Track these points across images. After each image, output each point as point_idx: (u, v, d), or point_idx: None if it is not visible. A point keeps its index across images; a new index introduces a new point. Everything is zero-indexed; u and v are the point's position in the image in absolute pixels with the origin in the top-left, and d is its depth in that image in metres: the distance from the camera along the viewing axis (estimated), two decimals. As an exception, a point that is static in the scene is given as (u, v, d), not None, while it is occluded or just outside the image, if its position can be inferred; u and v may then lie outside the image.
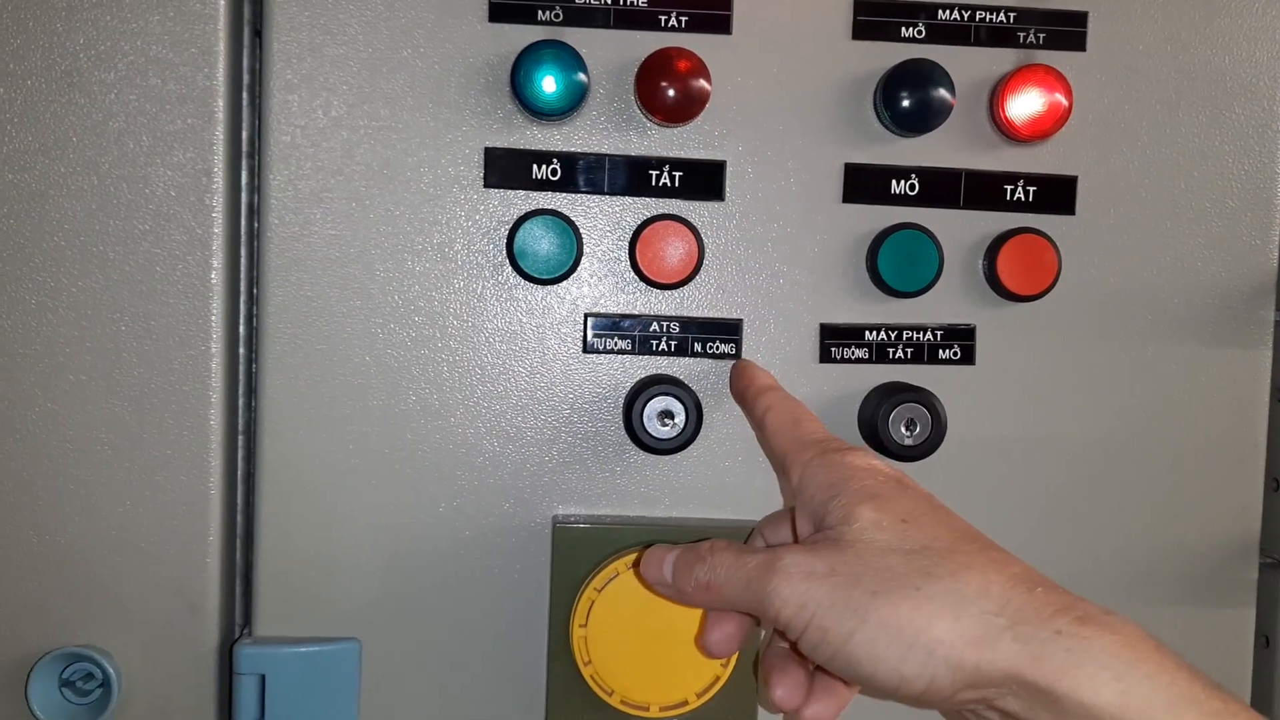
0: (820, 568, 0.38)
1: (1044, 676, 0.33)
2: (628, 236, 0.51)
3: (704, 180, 0.51)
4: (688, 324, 0.51)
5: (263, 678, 0.49)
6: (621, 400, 0.51)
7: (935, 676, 0.35)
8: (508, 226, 0.50)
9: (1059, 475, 0.53)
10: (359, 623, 0.51)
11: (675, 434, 0.50)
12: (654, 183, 0.51)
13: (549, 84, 0.49)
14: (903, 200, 0.51)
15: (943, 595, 0.36)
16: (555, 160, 0.50)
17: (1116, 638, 0.33)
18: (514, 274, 0.50)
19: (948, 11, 0.51)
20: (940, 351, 0.52)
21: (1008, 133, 0.51)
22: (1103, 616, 0.34)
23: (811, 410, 0.47)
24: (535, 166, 0.50)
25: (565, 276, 0.50)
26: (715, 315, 0.51)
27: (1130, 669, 0.32)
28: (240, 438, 0.52)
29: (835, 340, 0.52)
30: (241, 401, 0.52)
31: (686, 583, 0.42)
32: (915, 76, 0.50)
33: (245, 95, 0.51)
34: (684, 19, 0.50)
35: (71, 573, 0.49)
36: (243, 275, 0.51)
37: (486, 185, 0.50)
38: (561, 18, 0.50)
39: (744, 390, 0.49)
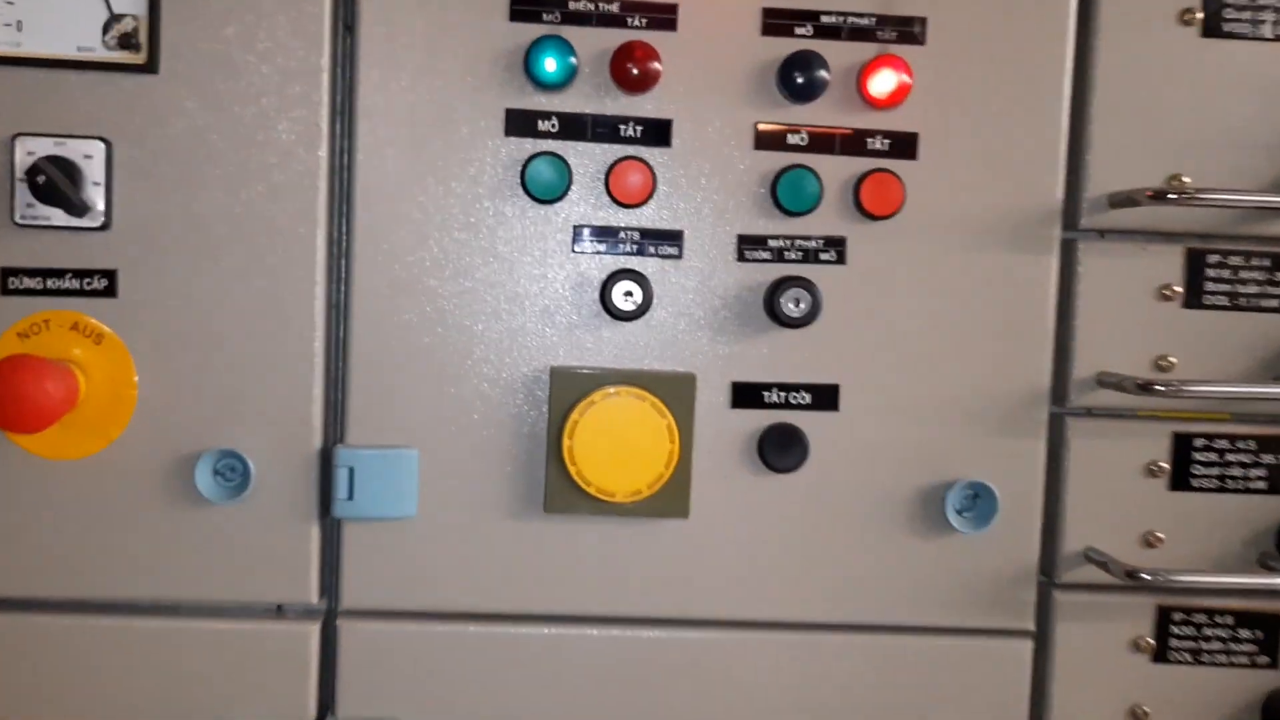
0: None
1: None
2: (604, 171, 0.73)
3: (657, 132, 0.73)
4: (645, 233, 0.74)
5: (352, 470, 0.72)
6: (598, 284, 0.73)
7: None
8: (520, 163, 0.73)
9: (906, 341, 0.75)
10: (418, 436, 0.73)
11: (634, 308, 0.72)
12: (622, 134, 0.73)
13: (550, 65, 0.71)
14: (796, 149, 0.74)
15: None
16: (554, 118, 0.73)
17: None
18: (525, 197, 0.73)
19: (828, 17, 0.73)
20: (821, 255, 0.75)
21: (869, 102, 0.73)
22: None
23: (730, 296, 0.70)
24: (540, 121, 0.73)
25: (560, 199, 0.73)
26: (664, 227, 0.74)
27: None
28: (334, 311, 0.74)
29: (748, 246, 0.74)
30: (337, 286, 0.74)
31: None
32: (805, 63, 0.72)
33: (339, 70, 0.73)
34: (644, 20, 0.72)
35: (225, 400, 0.72)
36: (338, 196, 0.74)
37: (507, 134, 0.73)
38: (559, 19, 0.72)
39: None
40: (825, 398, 0.75)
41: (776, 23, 0.73)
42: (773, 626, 0.76)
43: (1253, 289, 0.77)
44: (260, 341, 0.72)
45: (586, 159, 0.73)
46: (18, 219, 0.70)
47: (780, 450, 0.74)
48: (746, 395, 0.75)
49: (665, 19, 0.72)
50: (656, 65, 0.71)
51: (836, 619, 0.77)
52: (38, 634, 0.73)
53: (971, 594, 0.77)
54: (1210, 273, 0.76)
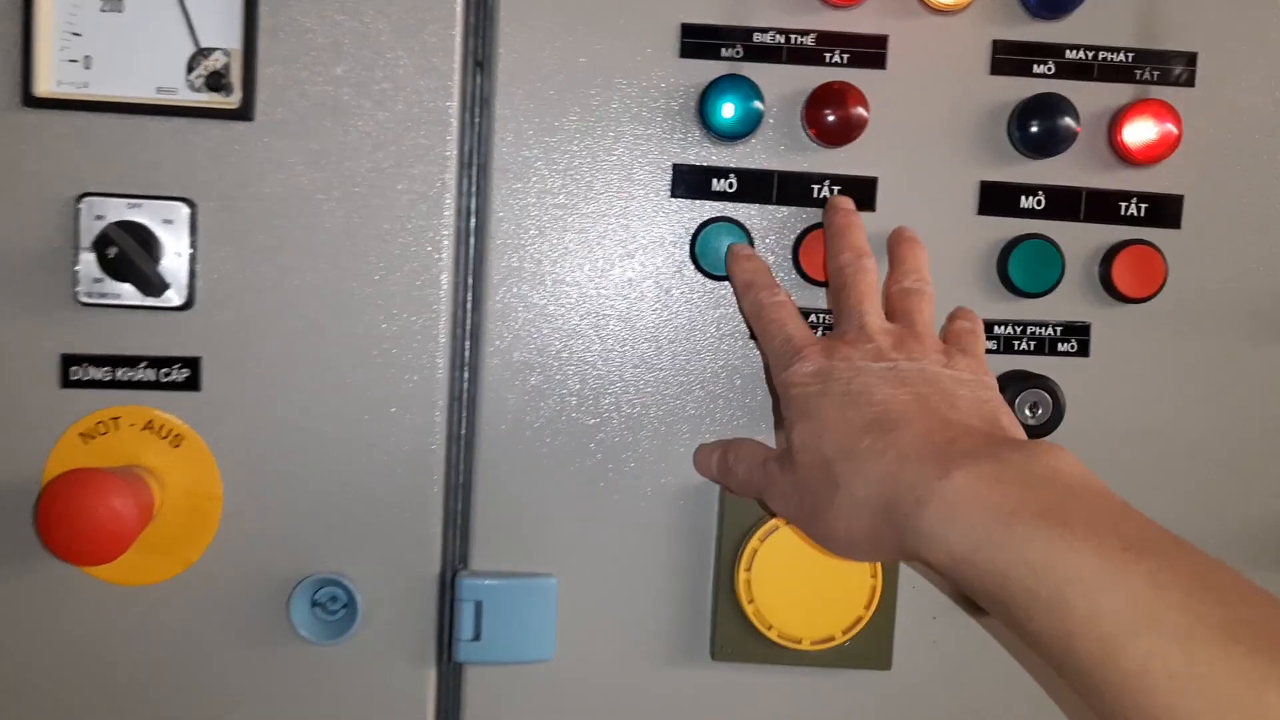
0: (787, 488, 0.51)
1: (911, 554, 0.45)
2: (792, 240, 0.59)
3: (859, 194, 0.59)
4: (841, 317, 0.60)
5: (479, 604, 0.59)
6: (784, 380, 0.60)
7: (873, 556, 0.48)
8: (690, 231, 0.59)
9: (1161, 452, 0.61)
10: (555, 561, 0.60)
11: (830, 410, 0.58)
12: (815, 195, 0.59)
13: (729, 110, 0.58)
14: (1030, 214, 0.60)
15: (846, 504, 0.47)
16: (733, 175, 0.59)
17: (940, 509, 0.43)
18: (695, 271, 0.59)
19: (1074, 52, 0.59)
20: (1059, 345, 0.60)
21: (1124, 157, 0.59)
22: (936, 484, 0.43)
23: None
24: (715, 180, 0.59)
25: (738, 274, 0.59)
26: (865, 310, 0.60)
27: (953, 531, 0.42)
28: (457, 404, 0.61)
29: (967, 333, 0.60)
30: (461, 374, 0.61)
31: (723, 478, 0.58)
32: (1046, 108, 0.58)
33: (469, 116, 0.60)
34: (846, 56, 0.59)
35: (325, 515, 0.59)
36: (469, 250, 0.61)
37: (673, 195, 0.59)
38: (741, 54, 0.58)
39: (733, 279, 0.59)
40: (1060, 522, 0.60)
41: (1010, 58, 0.59)
42: (986, 798, 0.62)
43: None
44: (369, 445, 0.59)
45: (771, 226, 0.60)
46: (82, 297, 0.57)
47: (1004, 586, 0.60)
48: (963, 518, 0.60)
49: (872, 54, 0.59)
50: (862, 111, 0.57)
51: (1065, 792, 0.62)
52: (100, 792, 0.60)
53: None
54: None
